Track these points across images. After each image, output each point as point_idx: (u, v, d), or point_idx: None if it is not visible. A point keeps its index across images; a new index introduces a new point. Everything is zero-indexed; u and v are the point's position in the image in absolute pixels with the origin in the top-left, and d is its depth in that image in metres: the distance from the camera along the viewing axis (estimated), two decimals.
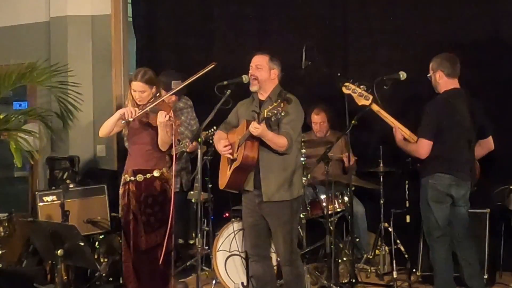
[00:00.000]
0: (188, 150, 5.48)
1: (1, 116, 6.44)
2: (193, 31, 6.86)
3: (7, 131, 6.25)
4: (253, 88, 4.55)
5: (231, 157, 4.55)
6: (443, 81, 4.90)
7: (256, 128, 4.24)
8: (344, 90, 5.00)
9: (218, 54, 6.75)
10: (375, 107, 4.96)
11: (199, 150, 4.30)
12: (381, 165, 5.58)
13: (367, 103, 4.93)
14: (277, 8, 6.56)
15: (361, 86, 4.95)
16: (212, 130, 5.01)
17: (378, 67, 5.95)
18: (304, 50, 5.41)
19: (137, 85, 4.67)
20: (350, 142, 5.46)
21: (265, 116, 4.17)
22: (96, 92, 7.08)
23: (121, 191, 4.79)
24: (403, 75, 4.84)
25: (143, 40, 7.13)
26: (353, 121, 4.78)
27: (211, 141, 5.05)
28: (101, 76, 7.03)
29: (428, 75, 4.98)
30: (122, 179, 4.79)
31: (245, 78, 4.50)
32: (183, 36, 6.90)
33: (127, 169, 4.76)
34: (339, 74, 5.63)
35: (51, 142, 6.99)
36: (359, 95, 4.95)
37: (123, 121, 4.63)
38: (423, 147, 4.82)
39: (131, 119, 4.58)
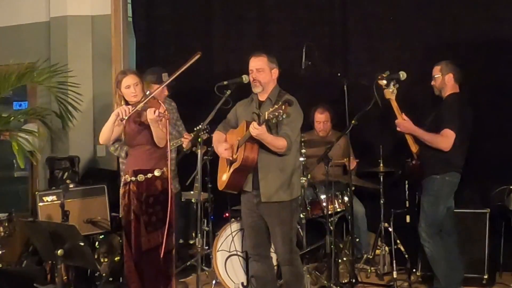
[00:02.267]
0: (184, 146, 5.43)
1: (4, 115, 6.44)
2: (193, 31, 6.86)
3: (9, 131, 6.24)
4: (256, 89, 4.53)
5: (231, 158, 4.55)
6: (451, 84, 4.99)
7: (256, 129, 4.21)
8: (379, 81, 4.97)
9: (218, 54, 6.76)
10: (394, 103, 4.98)
11: (199, 150, 4.30)
12: (381, 165, 5.59)
13: (392, 97, 4.96)
14: (277, 8, 6.56)
15: (392, 81, 4.96)
16: (200, 126, 4.74)
17: (378, 67, 5.94)
18: (304, 50, 5.41)
19: (131, 78, 4.66)
20: (351, 142, 5.47)
21: (266, 118, 4.15)
22: (96, 92, 7.08)
23: (121, 191, 4.79)
24: (403, 75, 4.84)
25: (142, 39, 7.13)
26: (353, 121, 4.78)
27: (200, 134, 4.79)
28: (101, 76, 7.03)
29: (436, 75, 4.99)
30: (123, 180, 4.78)
31: (245, 78, 4.49)
32: (183, 36, 6.89)
33: (128, 169, 4.76)
34: (339, 74, 5.63)
35: (51, 142, 6.99)
36: (389, 89, 4.96)
37: (120, 120, 4.61)
38: (448, 138, 4.82)
39: (126, 117, 4.56)
